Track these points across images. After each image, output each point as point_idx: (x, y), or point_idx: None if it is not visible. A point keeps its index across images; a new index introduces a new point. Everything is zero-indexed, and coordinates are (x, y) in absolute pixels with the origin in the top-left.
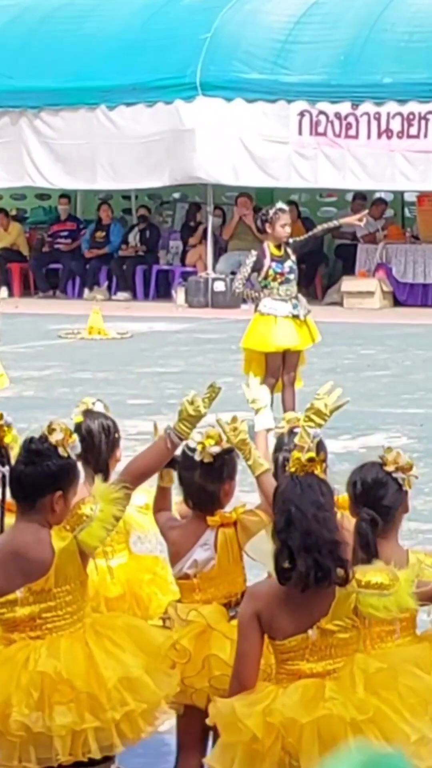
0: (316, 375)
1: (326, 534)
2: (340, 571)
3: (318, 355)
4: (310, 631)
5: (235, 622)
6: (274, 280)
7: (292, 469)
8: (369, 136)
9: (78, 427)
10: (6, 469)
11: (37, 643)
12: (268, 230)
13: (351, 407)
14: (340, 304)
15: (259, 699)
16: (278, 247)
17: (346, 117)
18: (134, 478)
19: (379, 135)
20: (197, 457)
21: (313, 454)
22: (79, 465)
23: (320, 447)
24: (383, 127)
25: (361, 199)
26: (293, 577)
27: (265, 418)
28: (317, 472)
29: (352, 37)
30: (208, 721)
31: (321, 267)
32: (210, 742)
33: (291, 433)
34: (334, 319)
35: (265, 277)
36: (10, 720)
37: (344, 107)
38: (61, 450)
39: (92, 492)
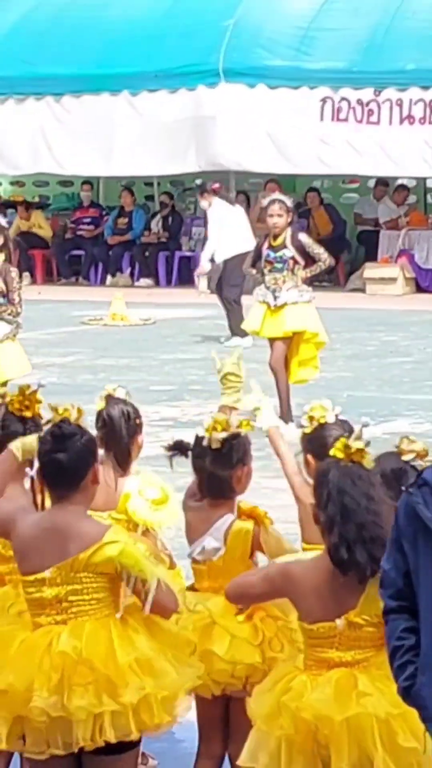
0: (339, 361)
1: (378, 528)
2: None
3: (340, 341)
4: (338, 621)
5: (241, 617)
6: (265, 267)
7: (340, 455)
8: (391, 122)
9: (99, 413)
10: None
11: (60, 628)
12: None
13: (374, 393)
14: (363, 290)
15: (296, 693)
16: (275, 236)
17: (368, 103)
18: None
19: (402, 121)
20: (205, 444)
21: (362, 444)
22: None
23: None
24: (405, 113)
25: (383, 185)
26: (351, 569)
27: (267, 417)
28: (364, 462)
29: (375, 23)
30: (250, 714)
31: (343, 254)
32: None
33: (322, 427)
34: (357, 305)
35: (264, 264)
36: (32, 705)
37: (367, 93)
38: (83, 425)
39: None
